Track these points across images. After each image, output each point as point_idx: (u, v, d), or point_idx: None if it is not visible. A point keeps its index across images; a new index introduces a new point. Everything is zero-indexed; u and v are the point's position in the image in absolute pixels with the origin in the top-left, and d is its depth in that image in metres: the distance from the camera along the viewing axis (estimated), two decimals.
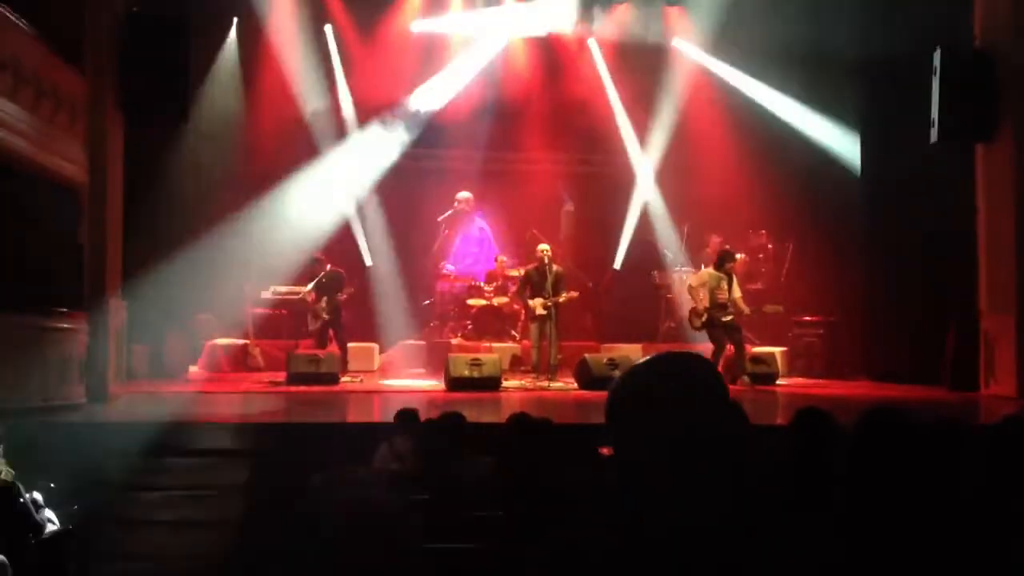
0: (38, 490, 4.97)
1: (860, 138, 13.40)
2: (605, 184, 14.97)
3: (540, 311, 10.98)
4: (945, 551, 2.10)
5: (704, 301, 10.92)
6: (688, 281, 11.93)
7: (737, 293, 11.02)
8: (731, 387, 10.37)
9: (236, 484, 6.49)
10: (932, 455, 2.51)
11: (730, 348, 10.92)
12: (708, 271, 11.29)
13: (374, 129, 14.15)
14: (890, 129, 12.34)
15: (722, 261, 11.12)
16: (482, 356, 10.79)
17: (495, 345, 12.51)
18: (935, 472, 2.48)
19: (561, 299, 11.01)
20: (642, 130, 14.76)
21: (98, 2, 9.11)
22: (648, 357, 1.76)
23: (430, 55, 14.37)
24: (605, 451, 3.95)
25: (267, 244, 12.95)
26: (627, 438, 1.69)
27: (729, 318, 10.85)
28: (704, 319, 10.95)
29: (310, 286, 11.55)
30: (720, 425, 1.68)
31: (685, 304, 12.28)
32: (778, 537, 1.80)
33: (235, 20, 13.54)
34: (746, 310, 11.10)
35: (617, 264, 15.03)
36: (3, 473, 4.75)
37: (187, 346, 12.21)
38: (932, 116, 10.33)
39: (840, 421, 2.97)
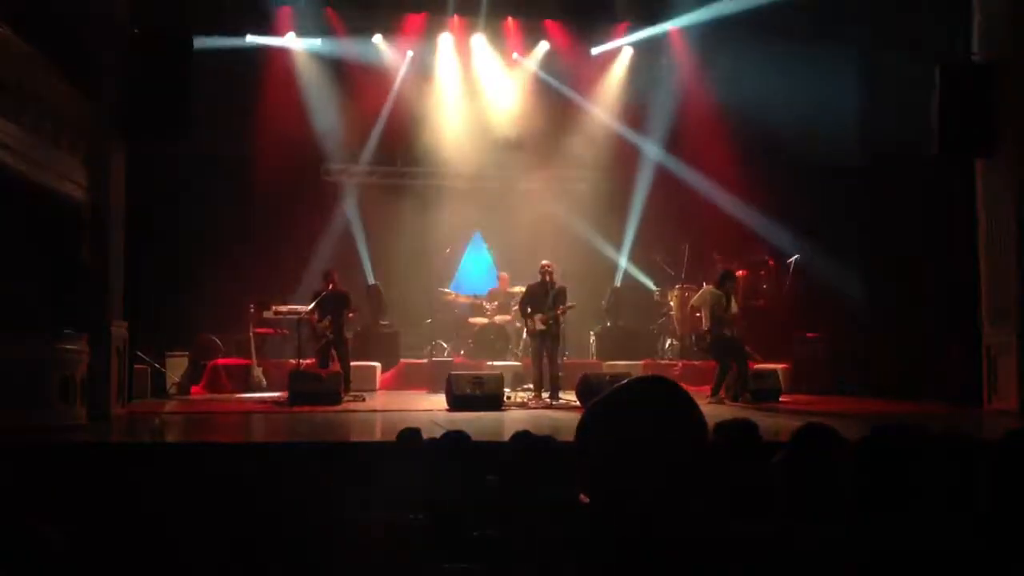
0: None
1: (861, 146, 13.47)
2: (602, 201, 15.00)
3: (540, 326, 10.94)
4: (954, 567, 2.09)
5: (706, 320, 10.92)
6: (691, 300, 11.94)
7: (734, 310, 11.04)
8: (733, 405, 10.43)
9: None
10: (940, 470, 2.50)
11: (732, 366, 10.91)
12: (709, 289, 11.24)
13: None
14: (891, 141, 12.37)
15: (723, 280, 11.10)
16: (484, 374, 10.74)
17: (497, 363, 12.49)
18: (943, 487, 2.47)
19: (560, 311, 10.96)
20: (641, 146, 14.83)
21: (100, 23, 9.15)
22: (614, 387, 1.77)
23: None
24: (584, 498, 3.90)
25: (270, 264, 12.98)
26: (599, 469, 1.70)
27: (731, 333, 10.85)
28: (707, 340, 10.96)
29: (311, 305, 11.54)
30: (689, 447, 1.68)
31: (686, 322, 12.26)
32: (782, 554, 1.79)
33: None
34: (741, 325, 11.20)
35: (617, 282, 15.07)
36: None
37: (189, 366, 12.21)
38: (932, 130, 10.36)
39: (844, 437, 2.96)
